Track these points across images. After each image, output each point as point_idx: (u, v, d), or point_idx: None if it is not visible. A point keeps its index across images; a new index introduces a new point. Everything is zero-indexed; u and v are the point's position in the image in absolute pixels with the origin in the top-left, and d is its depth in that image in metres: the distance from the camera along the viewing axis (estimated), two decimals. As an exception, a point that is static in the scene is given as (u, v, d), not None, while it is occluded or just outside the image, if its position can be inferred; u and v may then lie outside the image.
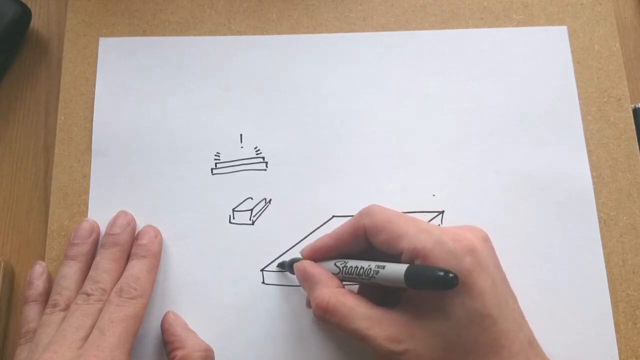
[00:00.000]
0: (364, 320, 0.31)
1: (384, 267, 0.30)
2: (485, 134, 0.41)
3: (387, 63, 0.42)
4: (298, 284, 0.38)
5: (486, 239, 0.31)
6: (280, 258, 0.39)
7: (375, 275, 0.31)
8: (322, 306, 0.32)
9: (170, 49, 0.43)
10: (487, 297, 0.29)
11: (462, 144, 0.41)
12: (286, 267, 0.37)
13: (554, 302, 0.38)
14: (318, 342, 0.37)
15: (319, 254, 0.35)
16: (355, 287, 0.36)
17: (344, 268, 0.33)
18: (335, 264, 0.34)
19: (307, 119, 0.41)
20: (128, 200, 0.40)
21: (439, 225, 0.39)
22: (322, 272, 0.34)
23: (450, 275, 0.27)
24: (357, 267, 0.32)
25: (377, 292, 0.34)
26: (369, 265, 0.31)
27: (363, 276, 0.32)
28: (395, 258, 0.31)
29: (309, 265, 0.35)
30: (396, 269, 0.30)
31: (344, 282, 0.34)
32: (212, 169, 0.41)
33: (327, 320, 0.32)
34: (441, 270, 0.27)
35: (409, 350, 0.29)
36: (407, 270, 0.29)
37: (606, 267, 0.38)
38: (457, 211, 0.39)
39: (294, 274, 0.36)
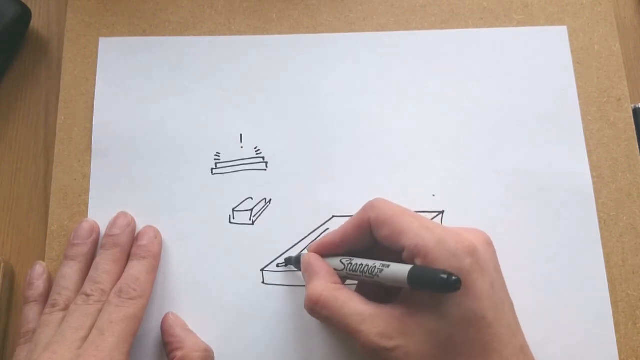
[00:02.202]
0: (356, 315, 0.31)
1: (388, 266, 0.31)
2: (485, 134, 0.41)
3: (387, 63, 0.42)
4: (298, 284, 0.38)
5: (489, 243, 0.31)
6: (280, 258, 0.39)
7: (379, 273, 0.31)
8: (314, 298, 0.32)
9: (170, 49, 0.43)
10: (483, 299, 0.29)
11: (462, 144, 0.41)
12: (292, 262, 0.38)
13: (554, 302, 0.38)
14: (318, 342, 0.37)
15: (325, 250, 0.35)
16: (354, 287, 0.36)
17: (349, 265, 0.33)
18: (340, 261, 0.34)
19: (307, 119, 0.41)
20: (128, 200, 0.40)
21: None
22: (323, 266, 0.34)
23: (454, 278, 0.27)
24: (361, 264, 0.32)
25: (377, 292, 0.34)
26: (374, 264, 0.31)
27: (367, 274, 0.32)
28: (398, 254, 0.31)
29: (313, 257, 0.35)
30: (400, 269, 0.30)
31: (348, 280, 0.34)
32: (212, 169, 0.41)
33: (317, 313, 0.32)
34: (444, 272, 0.27)
35: (400, 346, 0.29)
36: (411, 271, 0.29)
37: (606, 267, 0.38)
38: (457, 211, 0.39)
39: (299, 269, 0.36)
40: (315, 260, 0.34)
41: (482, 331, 0.29)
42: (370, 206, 0.33)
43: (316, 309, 0.32)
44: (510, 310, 0.31)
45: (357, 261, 0.33)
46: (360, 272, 0.32)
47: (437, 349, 0.29)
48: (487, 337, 0.29)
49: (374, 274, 0.31)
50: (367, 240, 0.33)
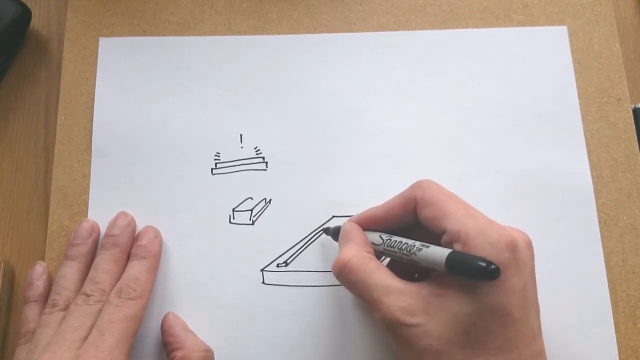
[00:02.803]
0: (382, 286, 0.30)
1: (427, 247, 0.30)
2: (485, 134, 0.41)
3: (387, 63, 0.42)
4: (298, 284, 0.38)
5: (529, 244, 0.31)
6: (280, 258, 0.39)
7: (417, 252, 0.31)
8: (344, 260, 0.32)
9: (170, 49, 0.43)
10: (514, 296, 0.29)
11: (462, 144, 0.41)
12: (330, 232, 0.37)
13: (554, 302, 0.38)
14: (318, 342, 0.37)
15: (367, 222, 0.35)
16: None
17: (388, 241, 0.33)
18: (380, 236, 0.34)
19: (307, 119, 0.41)
20: (128, 200, 0.40)
21: None
22: (360, 235, 0.34)
23: (493, 267, 0.27)
24: (401, 242, 0.32)
25: (407, 274, 0.34)
26: (413, 243, 0.31)
27: (405, 251, 0.31)
28: (437, 238, 0.31)
29: (354, 227, 0.35)
30: (439, 251, 0.30)
31: (382, 256, 0.34)
32: (212, 169, 0.41)
33: (344, 277, 0.32)
34: (483, 260, 0.27)
35: (420, 324, 0.29)
36: (450, 254, 0.29)
37: (606, 267, 0.38)
38: (457, 211, 0.39)
39: (337, 240, 0.36)
40: (356, 229, 0.34)
41: (506, 327, 0.29)
42: (418, 185, 0.33)
43: (344, 271, 0.32)
44: (536, 314, 0.31)
45: (396, 238, 0.33)
46: (398, 248, 0.32)
47: (458, 334, 0.29)
48: (510, 333, 0.29)
49: (411, 252, 0.31)
50: (409, 219, 0.33)
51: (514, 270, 0.29)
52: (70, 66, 0.43)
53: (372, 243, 0.34)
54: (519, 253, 0.29)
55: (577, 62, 0.42)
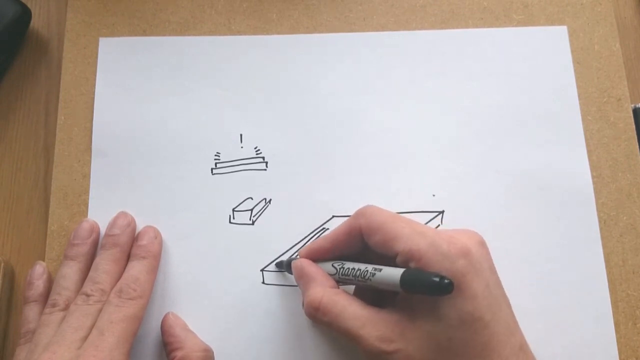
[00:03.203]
0: (356, 319, 0.31)
1: (380, 270, 0.31)
2: (485, 134, 0.41)
3: (387, 63, 0.42)
4: (298, 284, 0.38)
5: (481, 243, 0.31)
6: (280, 258, 0.39)
7: (371, 277, 0.31)
8: (315, 304, 0.32)
9: (170, 49, 0.43)
10: (479, 300, 0.29)
11: (462, 144, 0.41)
12: (284, 266, 0.38)
13: (554, 302, 0.38)
14: (318, 342, 0.37)
15: (316, 255, 0.35)
16: (351, 290, 0.36)
17: (341, 269, 0.33)
18: (332, 265, 0.34)
19: (307, 119, 0.41)
20: (128, 200, 0.40)
21: (438, 226, 0.39)
22: (318, 271, 0.34)
23: (446, 281, 0.27)
24: (354, 269, 0.32)
25: (373, 294, 0.34)
26: (366, 268, 0.31)
27: (359, 278, 0.32)
28: (391, 259, 0.31)
29: (306, 263, 0.35)
30: (392, 273, 0.30)
31: (340, 284, 0.34)
32: (212, 169, 0.41)
33: (318, 319, 0.32)
34: (436, 275, 0.27)
35: (400, 349, 0.30)
36: (403, 274, 0.29)
37: (606, 267, 0.38)
38: (457, 211, 0.39)
39: (292, 273, 0.36)
40: (309, 266, 0.34)
41: (479, 332, 0.29)
42: (361, 214, 0.33)
43: (317, 315, 0.32)
44: (507, 309, 0.31)
45: (349, 265, 0.33)
46: (352, 276, 0.32)
47: (437, 351, 0.29)
48: (485, 337, 0.29)
49: (366, 277, 0.31)
50: (357, 246, 0.33)
51: (472, 274, 0.29)
52: (70, 66, 0.43)
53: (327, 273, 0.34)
54: (473, 256, 0.30)
55: (577, 62, 0.42)
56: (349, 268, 0.33)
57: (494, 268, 0.32)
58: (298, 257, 0.36)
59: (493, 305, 0.30)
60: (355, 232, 0.33)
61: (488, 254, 0.32)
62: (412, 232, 0.30)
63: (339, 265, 0.33)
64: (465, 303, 0.29)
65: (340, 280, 0.33)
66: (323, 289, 0.33)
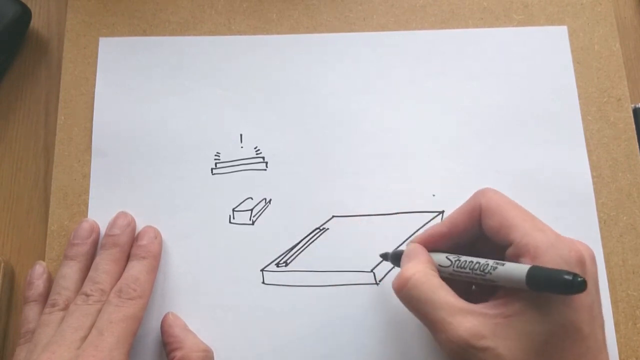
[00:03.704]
0: (446, 305, 0.29)
1: (503, 264, 0.29)
2: (485, 133, 0.41)
3: (387, 63, 0.42)
4: (298, 284, 0.38)
5: (594, 259, 0.30)
6: (280, 258, 0.39)
7: (491, 271, 0.29)
8: (406, 275, 0.31)
9: (170, 49, 0.43)
10: (584, 312, 0.28)
11: (462, 144, 0.41)
12: (389, 257, 0.36)
13: (554, 302, 0.38)
14: (318, 342, 0.37)
15: (431, 242, 0.33)
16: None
17: (457, 262, 0.31)
18: (447, 257, 0.32)
19: (307, 119, 0.41)
20: (128, 200, 0.40)
21: None
22: (424, 253, 0.32)
23: (579, 279, 0.26)
24: (472, 261, 0.30)
25: (461, 291, 0.32)
26: (486, 262, 0.30)
27: (477, 271, 0.30)
28: (501, 250, 0.30)
29: (419, 247, 0.33)
30: (517, 268, 0.28)
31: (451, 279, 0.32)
32: (212, 169, 0.41)
33: (405, 293, 0.31)
34: (568, 273, 0.26)
35: (490, 347, 0.28)
36: (530, 270, 0.28)
37: (606, 267, 0.38)
38: (457, 211, 0.39)
39: (398, 265, 0.34)
40: (420, 249, 0.33)
41: (577, 343, 0.28)
42: (481, 193, 0.32)
43: (406, 287, 0.30)
44: (601, 328, 0.30)
45: (466, 258, 0.31)
46: (469, 269, 0.30)
47: (530, 354, 0.28)
48: (580, 349, 0.28)
49: (486, 271, 0.29)
50: (474, 230, 0.32)
51: None
52: (70, 66, 0.43)
53: (440, 265, 0.32)
54: (587, 269, 0.29)
55: (577, 62, 0.42)
56: (466, 261, 0.31)
57: (599, 287, 0.31)
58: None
59: (594, 321, 0.29)
60: (475, 213, 0.31)
61: (597, 271, 0.31)
62: (532, 226, 0.30)
63: (454, 257, 0.32)
64: (570, 312, 0.28)
65: (454, 273, 0.31)
66: (422, 266, 0.31)
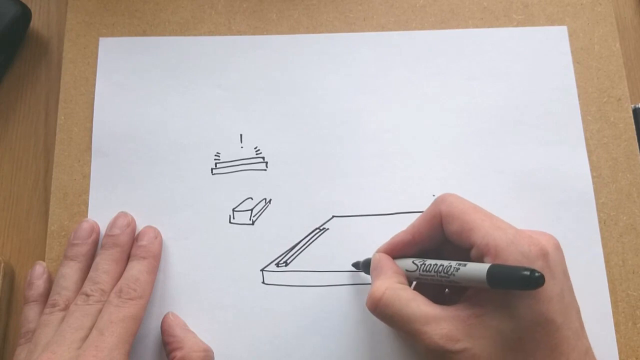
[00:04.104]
0: (420, 315, 0.30)
1: (465, 265, 0.30)
2: (485, 133, 0.41)
3: (387, 63, 0.42)
4: (298, 284, 0.38)
5: (558, 247, 0.31)
6: (280, 258, 0.39)
7: (454, 272, 0.30)
8: (377, 296, 0.31)
9: (170, 49, 0.43)
10: (553, 303, 0.28)
11: (462, 144, 0.41)
12: (360, 266, 0.37)
13: (554, 302, 0.38)
14: (318, 342, 0.37)
15: (396, 250, 0.34)
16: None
17: (422, 266, 0.32)
18: (413, 262, 0.33)
19: (307, 119, 0.41)
20: (128, 200, 0.40)
21: None
22: (391, 265, 0.33)
23: (537, 274, 0.26)
24: (436, 264, 0.31)
25: (436, 295, 0.33)
26: (449, 264, 0.30)
27: (442, 274, 0.31)
28: (464, 253, 0.31)
29: (384, 257, 0.34)
30: (478, 268, 0.29)
31: (419, 282, 0.33)
32: (212, 169, 0.41)
33: (379, 312, 0.31)
34: (526, 269, 0.27)
35: (466, 349, 0.29)
36: (490, 269, 0.28)
37: (606, 267, 0.38)
38: (457, 211, 0.39)
39: (368, 273, 0.35)
40: (386, 260, 0.34)
41: (550, 334, 0.28)
42: (441, 200, 0.32)
43: (378, 307, 0.31)
44: (577, 314, 0.30)
45: (430, 261, 0.32)
46: (434, 271, 0.31)
47: (505, 351, 0.29)
48: (555, 340, 0.29)
49: (449, 273, 0.30)
50: (438, 236, 0.33)
51: (549, 277, 0.29)
52: (70, 66, 0.43)
53: (406, 270, 0.33)
54: (551, 259, 0.29)
55: (577, 62, 0.42)
56: (430, 264, 0.32)
57: (567, 273, 0.31)
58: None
59: (565, 309, 0.29)
60: (436, 220, 0.32)
61: (563, 258, 0.31)
62: (491, 226, 0.30)
63: (419, 261, 0.32)
64: (540, 304, 0.28)
65: (421, 277, 0.32)
66: (389, 282, 0.32)
